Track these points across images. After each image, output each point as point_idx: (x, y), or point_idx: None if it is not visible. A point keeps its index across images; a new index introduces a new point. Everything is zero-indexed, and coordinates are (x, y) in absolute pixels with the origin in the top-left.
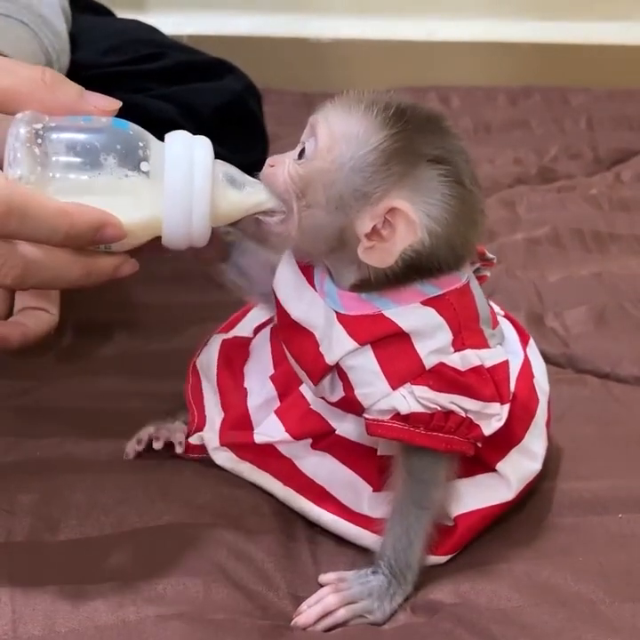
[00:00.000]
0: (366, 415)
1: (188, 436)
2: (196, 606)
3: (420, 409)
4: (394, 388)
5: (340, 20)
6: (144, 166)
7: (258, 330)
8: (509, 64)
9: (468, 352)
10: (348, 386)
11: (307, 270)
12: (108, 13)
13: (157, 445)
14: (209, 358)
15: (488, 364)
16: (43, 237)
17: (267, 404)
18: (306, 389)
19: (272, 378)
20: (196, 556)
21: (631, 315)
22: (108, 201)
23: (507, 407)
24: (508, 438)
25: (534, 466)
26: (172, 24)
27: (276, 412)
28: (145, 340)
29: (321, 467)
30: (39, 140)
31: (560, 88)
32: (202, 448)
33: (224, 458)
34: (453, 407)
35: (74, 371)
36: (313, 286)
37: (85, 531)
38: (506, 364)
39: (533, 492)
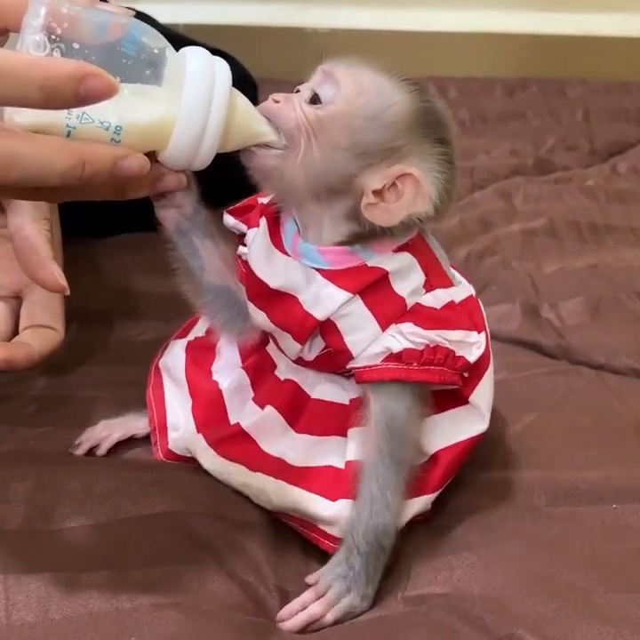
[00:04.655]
0: (355, 364)
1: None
2: (189, 596)
3: (410, 345)
4: (383, 329)
5: (337, 9)
6: (158, 73)
7: (211, 330)
8: (507, 55)
9: (438, 291)
10: (335, 336)
11: (274, 237)
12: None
13: (100, 452)
14: (174, 359)
15: (457, 299)
16: (18, 95)
17: (240, 390)
18: (279, 371)
19: (243, 368)
20: (191, 546)
21: (626, 306)
22: (116, 100)
23: (484, 334)
24: (478, 369)
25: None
26: (168, 13)
27: (254, 400)
28: (141, 329)
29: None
30: (58, 28)
31: (557, 80)
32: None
33: (211, 462)
34: (439, 340)
35: (69, 360)
36: (283, 252)
37: (79, 519)
38: (473, 297)
39: (528, 482)
